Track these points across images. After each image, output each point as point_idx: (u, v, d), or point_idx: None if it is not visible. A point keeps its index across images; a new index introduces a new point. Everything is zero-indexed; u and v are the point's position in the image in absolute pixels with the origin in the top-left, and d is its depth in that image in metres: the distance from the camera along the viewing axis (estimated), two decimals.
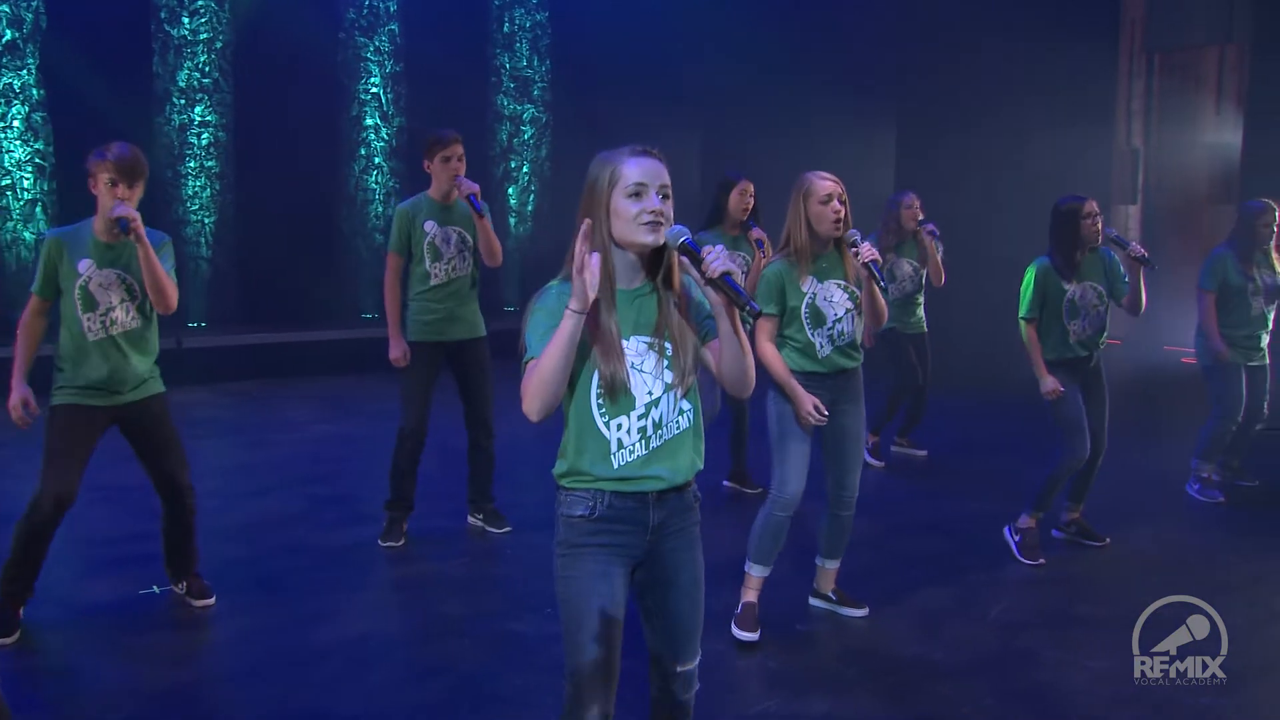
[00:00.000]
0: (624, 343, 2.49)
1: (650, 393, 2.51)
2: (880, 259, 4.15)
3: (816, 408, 4.12)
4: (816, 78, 12.19)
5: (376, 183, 12.16)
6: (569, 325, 2.34)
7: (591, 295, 2.34)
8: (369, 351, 10.70)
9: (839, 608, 4.65)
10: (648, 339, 2.52)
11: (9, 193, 10.06)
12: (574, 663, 2.50)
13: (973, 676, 4.06)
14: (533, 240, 13.34)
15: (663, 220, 2.45)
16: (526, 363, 2.44)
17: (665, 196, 2.49)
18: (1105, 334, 5.43)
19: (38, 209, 10.19)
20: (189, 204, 11.08)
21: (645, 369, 2.51)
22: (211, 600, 4.63)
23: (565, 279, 2.48)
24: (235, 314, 11.50)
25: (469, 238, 5.40)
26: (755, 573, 4.38)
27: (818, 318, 4.19)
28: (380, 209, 12.15)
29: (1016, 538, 5.45)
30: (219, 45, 11.01)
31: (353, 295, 12.25)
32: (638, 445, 2.51)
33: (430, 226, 5.34)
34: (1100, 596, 4.94)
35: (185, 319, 10.97)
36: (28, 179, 10.13)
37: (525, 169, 13.36)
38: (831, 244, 4.22)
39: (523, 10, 13.13)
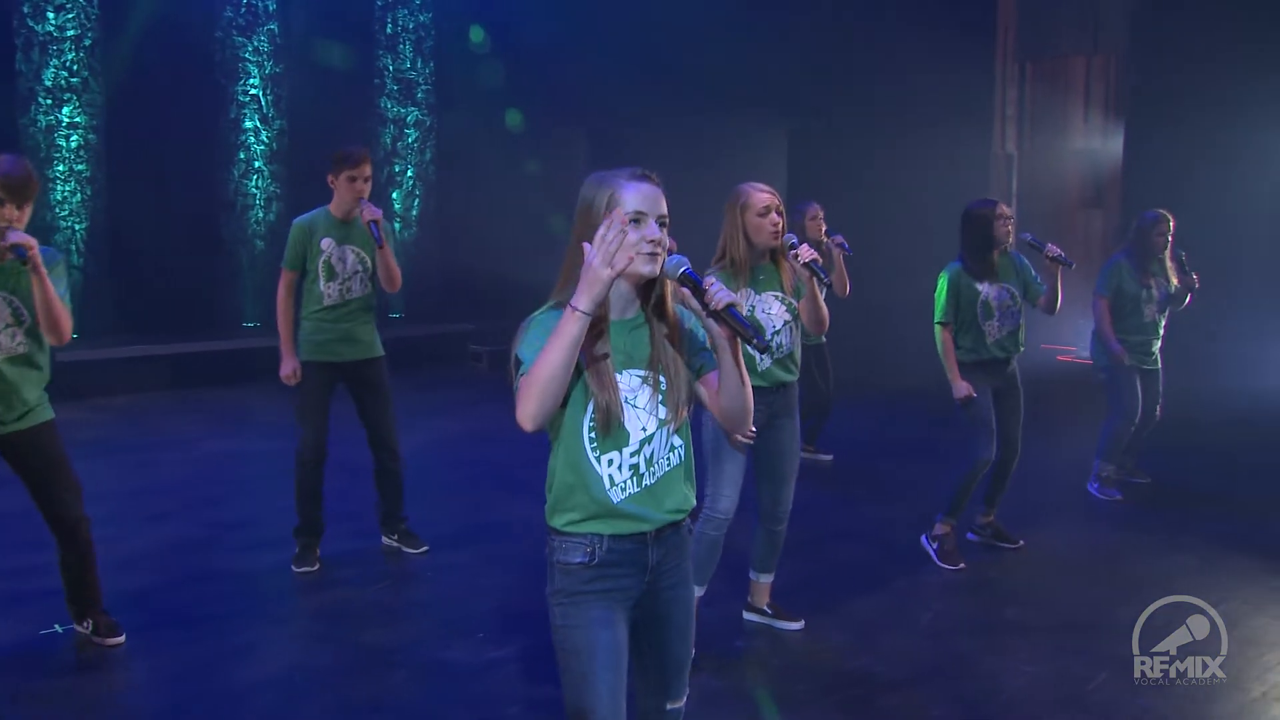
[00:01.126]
0: (617, 376, 2.37)
1: (644, 428, 2.40)
2: (820, 259, 4.14)
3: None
4: (704, 84, 12.23)
5: (257, 187, 11.76)
6: (574, 327, 2.18)
7: (616, 272, 2.17)
8: (254, 362, 10.38)
9: (775, 621, 4.63)
10: (641, 372, 2.41)
11: None
12: (580, 715, 2.40)
13: (917, 688, 4.08)
14: (417, 244, 13.08)
15: (661, 250, 2.35)
16: (520, 376, 2.28)
17: (664, 224, 2.37)
18: (1023, 337, 5.52)
19: None
20: (58, 210, 10.53)
21: (639, 404, 2.40)
22: (121, 638, 4.35)
23: (556, 307, 2.36)
24: (110, 325, 10.96)
25: (367, 259, 5.22)
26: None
27: (757, 330, 4.14)
28: (261, 214, 11.76)
29: (934, 545, 5.52)
30: (87, 43, 10.47)
31: (234, 304, 11.82)
32: (629, 483, 2.40)
33: (327, 244, 5.15)
34: (1025, 599, 5.03)
35: None
36: None
37: (410, 173, 13.10)
38: (768, 255, 4.19)
39: (406, 11, 12.86)
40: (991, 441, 5.41)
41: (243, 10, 11.47)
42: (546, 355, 2.20)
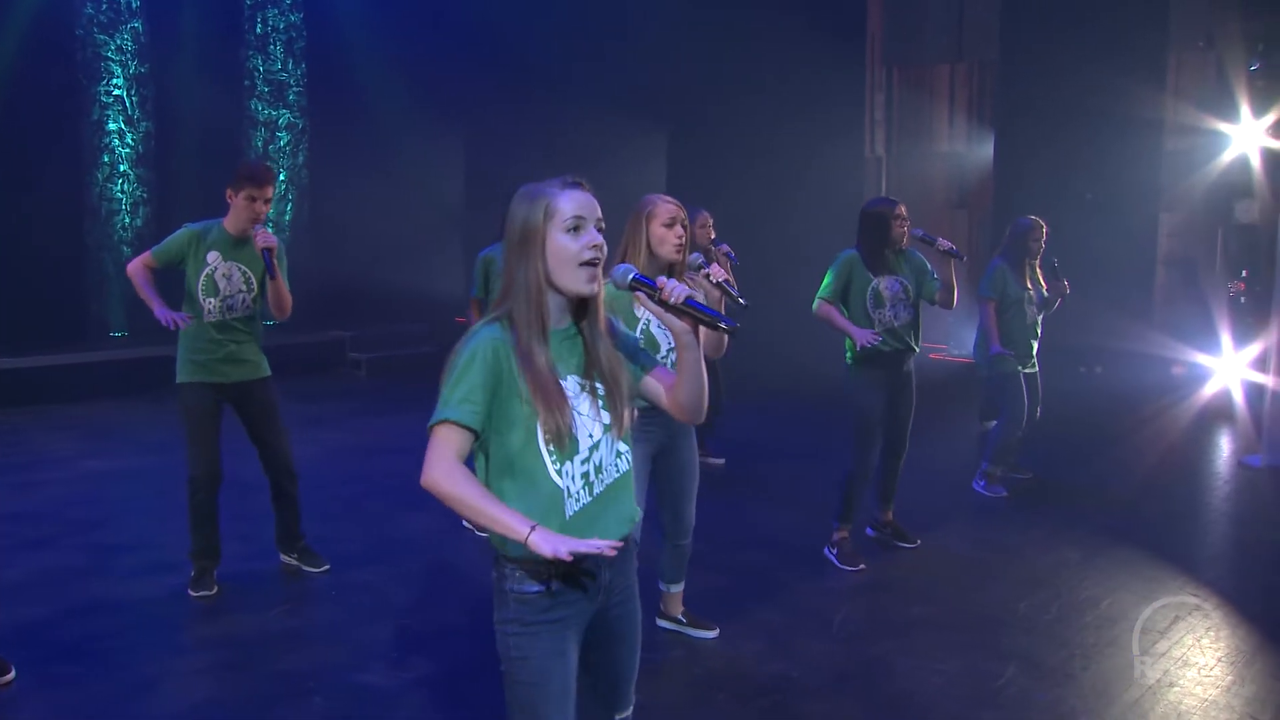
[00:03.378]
0: (563, 383, 2.35)
1: (591, 435, 2.38)
2: (732, 280, 4.15)
3: None
4: (582, 88, 12.23)
5: (123, 192, 11.32)
6: (511, 523, 2.16)
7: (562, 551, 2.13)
8: (125, 373, 9.99)
9: (688, 629, 4.66)
10: (579, 380, 2.39)
11: None
12: None
13: (837, 693, 4.14)
14: (290, 251, 12.70)
15: (601, 254, 2.33)
16: (437, 423, 2.24)
17: (600, 230, 2.37)
18: (918, 333, 5.62)
19: None
20: None
21: (582, 410, 2.37)
22: (12, 675, 4.14)
23: (492, 321, 2.35)
24: None
25: (254, 280, 5.05)
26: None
27: (652, 345, 4.12)
28: (128, 220, 11.34)
29: (834, 550, 5.63)
30: None
31: (100, 313, 11.34)
32: (582, 492, 2.36)
33: (214, 258, 4.96)
34: (929, 598, 5.16)
35: None
36: None
37: (282, 176, 12.76)
38: (667, 269, 4.10)
39: (276, 11, 12.53)
40: (874, 448, 5.53)
41: (104, 7, 11.01)
42: (474, 506, 2.18)
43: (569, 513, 2.34)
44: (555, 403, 2.29)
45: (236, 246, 5.00)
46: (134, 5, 11.20)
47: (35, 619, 4.81)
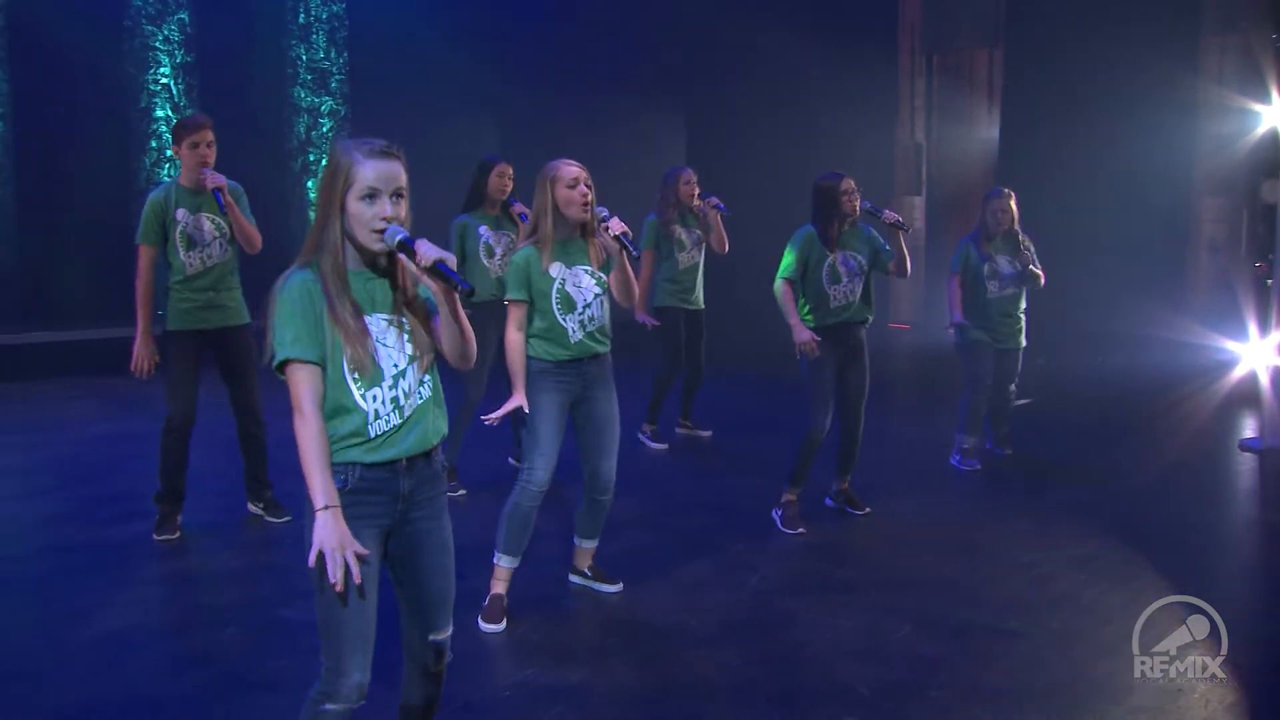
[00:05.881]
0: (366, 319, 2.62)
1: (396, 365, 2.66)
2: (629, 231, 4.31)
3: (521, 407, 4.31)
4: (605, 77, 12.43)
5: (169, 176, 11.81)
6: (316, 491, 2.52)
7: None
8: (163, 348, 10.43)
9: (594, 584, 4.82)
10: (386, 316, 2.67)
11: None
12: (329, 627, 2.62)
13: (725, 641, 4.28)
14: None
15: (396, 222, 2.59)
16: (281, 363, 2.57)
17: (400, 197, 2.62)
18: (869, 305, 5.70)
19: None
20: None
21: (389, 343, 2.65)
22: None
23: (303, 266, 2.62)
24: (14, 313, 10.99)
25: (224, 224, 5.35)
26: (504, 564, 4.44)
27: (567, 303, 4.31)
28: None
29: (779, 512, 5.74)
30: None
31: None
32: (392, 415, 2.65)
33: (182, 215, 5.28)
34: (857, 562, 5.26)
35: None
36: None
37: (324, 162, 13.14)
38: (578, 230, 4.32)
39: (319, 1, 12.94)
40: (827, 413, 5.63)
41: None
42: (305, 459, 2.55)
43: (373, 433, 2.64)
44: (356, 336, 2.59)
45: (196, 197, 5.32)
46: None
47: (6, 556, 5.18)
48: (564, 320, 4.32)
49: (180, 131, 5.25)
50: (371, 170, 2.59)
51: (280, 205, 12.14)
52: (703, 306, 7.48)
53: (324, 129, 13.12)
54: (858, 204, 5.60)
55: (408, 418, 2.67)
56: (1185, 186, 10.93)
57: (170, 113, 11.72)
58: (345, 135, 13.27)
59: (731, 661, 4.10)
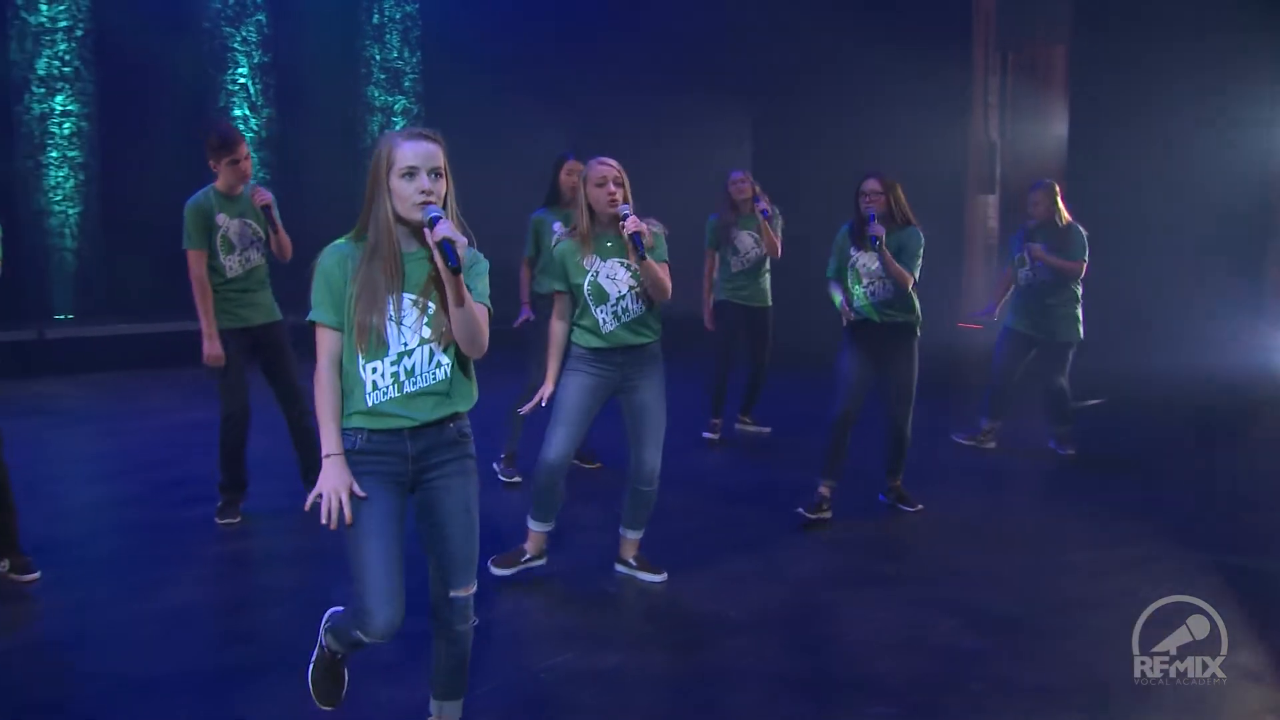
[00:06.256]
0: (390, 297, 2.82)
1: (405, 344, 2.85)
2: (644, 231, 4.32)
3: (543, 399, 4.52)
4: (674, 76, 12.49)
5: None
6: (325, 439, 2.85)
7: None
8: None
9: (638, 573, 4.89)
10: (414, 296, 2.86)
11: None
12: (354, 571, 2.88)
13: (762, 631, 4.32)
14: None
15: (431, 197, 2.79)
16: (312, 322, 2.87)
17: (438, 176, 2.82)
18: (903, 308, 5.62)
19: None
20: (51, 194, 10.95)
21: (406, 323, 2.85)
22: (36, 575, 4.71)
23: (349, 239, 2.89)
24: (102, 306, 11.39)
25: (259, 229, 5.57)
26: (531, 526, 4.74)
27: (600, 294, 4.47)
28: None
29: (814, 500, 5.70)
30: (79, 33, 10.90)
31: None
32: (391, 388, 2.85)
33: (222, 219, 5.47)
34: (906, 556, 5.26)
35: (51, 311, 10.88)
36: None
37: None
38: (615, 224, 4.44)
39: (392, 2, 13.20)
40: (845, 403, 5.60)
41: (231, 1, 11.86)
42: (318, 410, 2.87)
43: (370, 403, 2.87)
44: (370, 310, 2.81)
45: (235, 203, 5.53)
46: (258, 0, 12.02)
47: (75, 534, 5.43)
48: (596, 311, 4.46)
49: (220, 151, 5.41)
50: (410, 150, 2.81)
51: (354, 202, 12.37)
52: (767, 304, 7.50)
53: (397, 127, 13.37)
54: (877, 204, 5.55)
55: (409, 393, 2.86)
56: (1262, 185, 10.68)
57: (248, 111, 12.06)
58: None
59: (767, 651, 4.14)
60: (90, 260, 11.28)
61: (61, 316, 10.97)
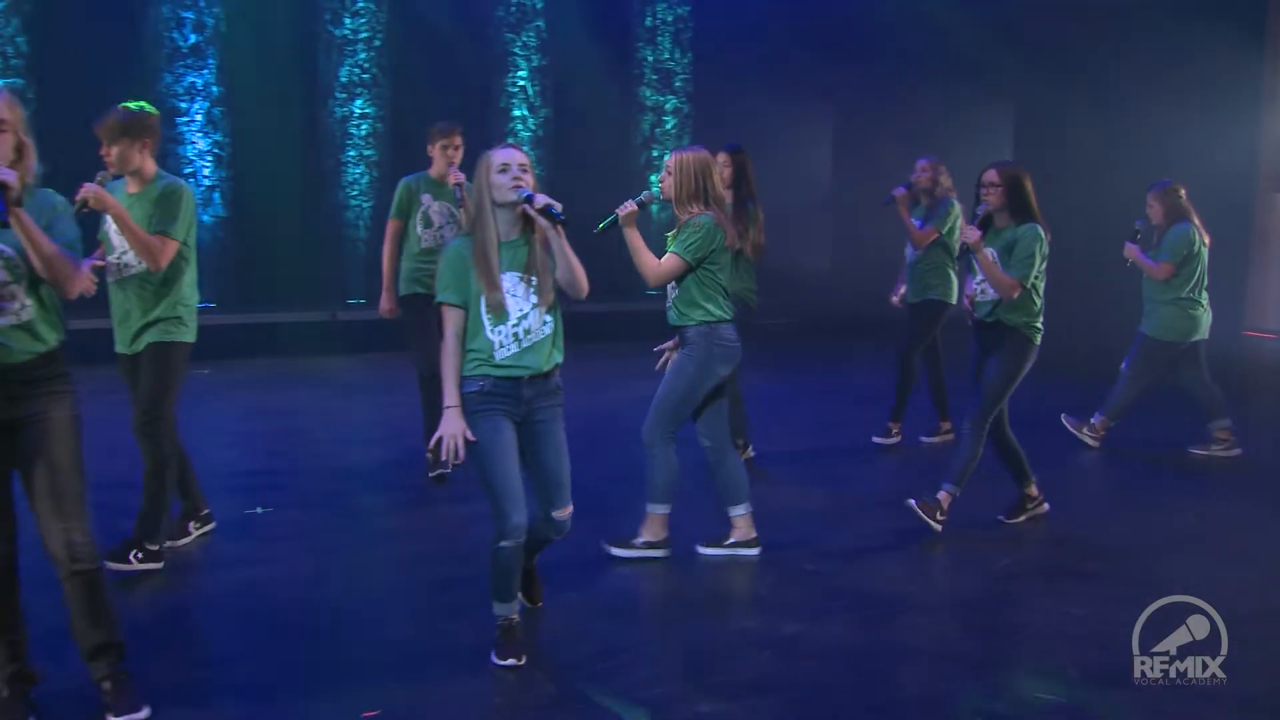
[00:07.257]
0: (502, 277, 3.70)
1: (521, 310, 3.74)
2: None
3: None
4: (938, 67, 12.37)
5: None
6: (447, 393, 3.67)
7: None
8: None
9: (737, 550, 5.04)
10: (519, 274, 3.75)
11: (191, 180, 11.22)
12: (492, 486, 3.68)
13: (944, 613, 4.43)
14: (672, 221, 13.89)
15: (520, 182, 3.67)
16: (439, 303, 3.75)
17: (525, 170, 3.72)
18: (1009, 308, 5.26)
19: (215, 195, 11.40)
20: (349, 190, 12.08)
21: (518, 294, 3.74)
22: (208, 527, 5.21)
23: (463, 235, 3.81)
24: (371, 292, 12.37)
25: (456, 213, 6.19)
26: (652, 510, 4.98)
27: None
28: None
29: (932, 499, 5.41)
30: (377, 44, 11.99)
31: None
32: (511, 344, 3.74)
33: (426, 199, 6.25)
34: (1112, 557, 5.16)
35: (345, 295, 11.98)
36: (208, 167, 11.34)
37: (667, 157, 13.89)
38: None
39: (665, 5, 13.71)
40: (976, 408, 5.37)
41: (513, 9, 12.70)
42: (443, 374, 3.71)
43: (498, 358, 3.73)
44: (492, 287, 3.69)
45: (440, 189, 6.28)
46: (538, 6, 12.80)
47: (343, 490, 6.19)
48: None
49: (436, 135, 6.26)
50: (501, 154, 3.72)
51: (624, 195, 12.94)
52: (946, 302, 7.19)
53: (668, 126, 13.90)
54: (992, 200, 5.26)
55: (526, 348, 3.73)
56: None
57: (526, 111, 12.86)
58: (689, 133, 13.97)
59: (945, 632, 4.23)
60: (379, 250, 12.27)
61: (354, 301, 12.05)
